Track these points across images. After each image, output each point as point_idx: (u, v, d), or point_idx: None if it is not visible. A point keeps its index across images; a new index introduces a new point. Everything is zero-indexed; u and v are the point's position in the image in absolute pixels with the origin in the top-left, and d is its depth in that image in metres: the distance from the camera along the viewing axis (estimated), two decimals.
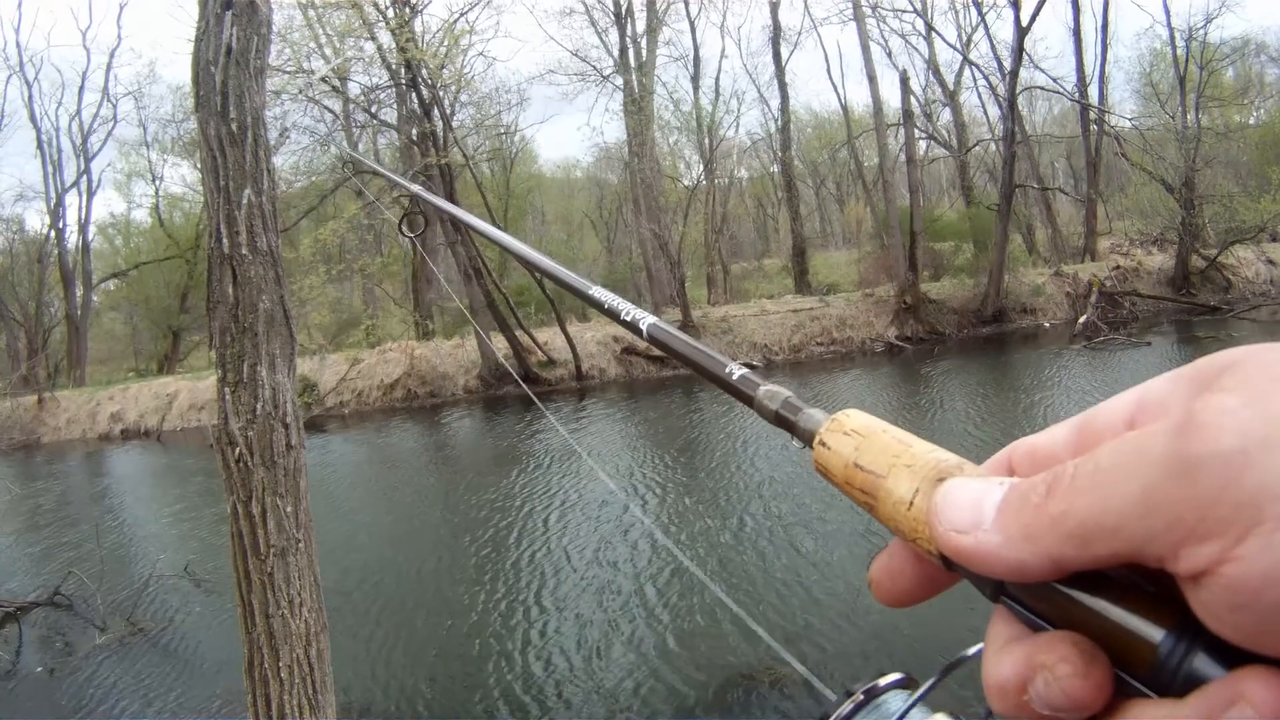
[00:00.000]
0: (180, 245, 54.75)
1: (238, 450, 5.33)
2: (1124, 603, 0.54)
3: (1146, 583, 0.54)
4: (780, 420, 0.87)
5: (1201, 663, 0.50)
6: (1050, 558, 0.55)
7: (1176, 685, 0.50)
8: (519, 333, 35.99)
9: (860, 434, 0.73)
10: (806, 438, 0.81)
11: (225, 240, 5.36)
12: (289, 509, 5.43)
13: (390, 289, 50.43)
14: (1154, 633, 0.52)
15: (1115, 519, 0.51)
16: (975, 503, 0.60)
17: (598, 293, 1.42)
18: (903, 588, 0.71)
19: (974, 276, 39.52)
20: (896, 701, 0.90)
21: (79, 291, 55.20)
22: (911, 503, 0.65)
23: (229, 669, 11.21)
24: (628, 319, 1.29)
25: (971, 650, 0.79)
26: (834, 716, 0.93)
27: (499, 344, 36.08)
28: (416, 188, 3.53)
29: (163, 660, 12.64)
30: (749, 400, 0.93)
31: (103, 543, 17.24)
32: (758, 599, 11.96)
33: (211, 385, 36.08)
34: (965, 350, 34.31)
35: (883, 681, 0.92)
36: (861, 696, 0.91)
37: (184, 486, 25.73)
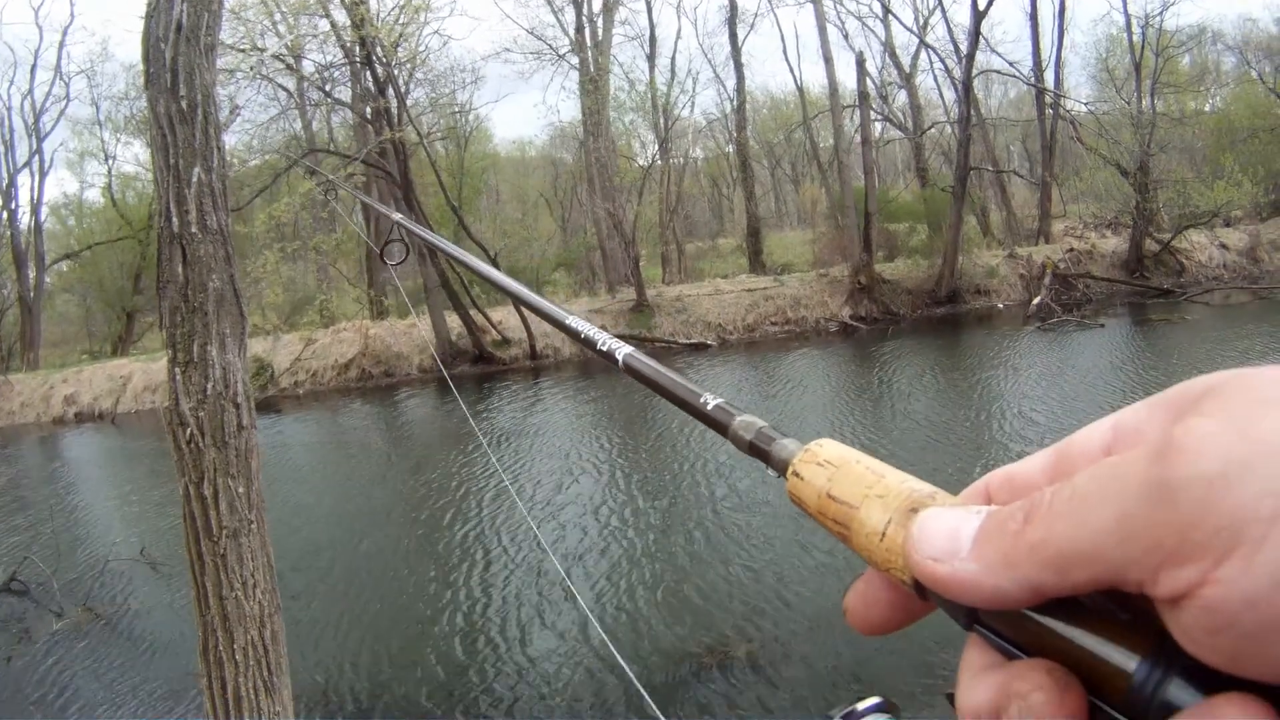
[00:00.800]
0: (133, 225, 54.43)
1: (189, 431, 5.30)
2: (1099, 630, 0.54)
3: (1121, 610, 0.54)
4: (755, 450, 0.87)
5: (1177, 689, 0.49)
6: (1028, 585, 0.55)
7: (1152, 713, 0.50)
8: (473, 312, 35.93)
9: (833, 464, 0.73)
10: (780, 468, 0.81)
11: (175, 219, 5.33)
12: (241, 490, 5.41)
13: (344, 268, 50.27)
14: (1128, 661, 0.52)
15: (1094, 544, 0.51)
16: (952, 531, 0.60)
17: (574, 322, 1.43)
18: (878, 616, 0.71)
19: (928, 258, 39.69)
20: None
21: (31, 273, 54.80)
22: (884, 533, 0.65)
23: (185, 652, 11.17)
24: (604, 349, 1.30)
25: (861, 705, 0.79)
26: None
27: (453, 323, 36.06)
28: (399, 216, 3.54)
29: (120, 644, 12.63)
30: (724, 430, 0.93)
31: (58, 527, 17.21)
32: (693, 598, 12.00)
33: (165, 366, 36.05)
34: (919, 330, 34.48)
35: (861, 706, 0.91)
36: None
37: (139, 469, 25.67)
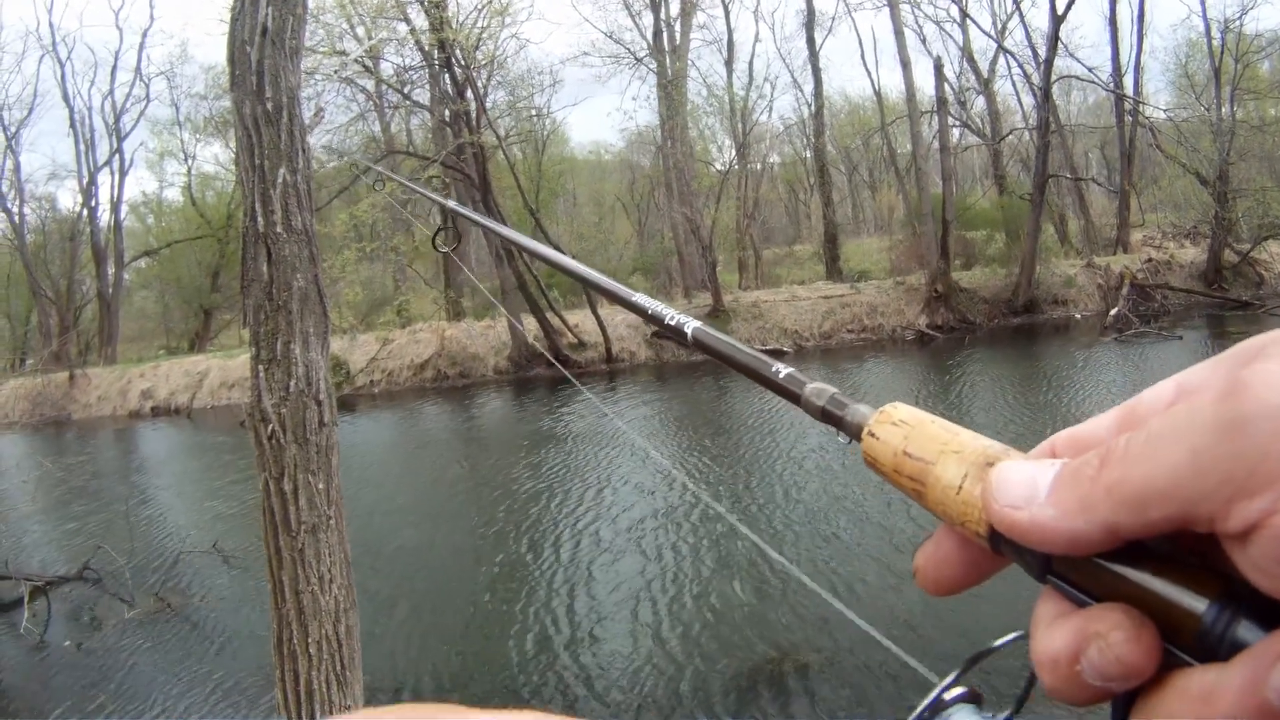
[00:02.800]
0: (212, 224, 55.03)
1: (270, 427, 5.36)
2: (1169, 575, 0.55)
3: (1190, 556, 0.55)
4: (827, 416, 0.89)
5: (1245, 629, 0.51)
6: (1105, 526, 0.56)
7: (1222, 652, 0.51)
8: (549, 315, 36.02)
9: (908, 424, 0.74)
10: (854, 431, 0.83)
11: (260, 219, 5.39)
12: (320, 486, 5.46)
13: (421, 269, 50.48)
14: (1198, 603, 0.53)
15: (1168, 481, 0.52)
16: (1030, 480, 0.61)
17: (640, 299, 1.44)
18: (948, 574, 0.71)
19: (1005, 266, 39.41)
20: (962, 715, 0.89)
21: (110, 270, 55.60)
22: (960, 487, 0.66)
23: (257, 645, 11.28)
24: (672, 323, 1.29)
25: (998, 642, 0.81)
26: None
27: (529, 326, 36.14)
28: (452, 203, 3.54)
29: (190, 635, 12.70)
30: (796, 398, 0.94)
31: (132, 518, 17.35)
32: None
33: (242, 363, 36.28)
34: (995, 340, 34.21)
35: (948, 696, 0.91)
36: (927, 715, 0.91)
37: (213, 463, 25.85)
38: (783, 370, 0.99)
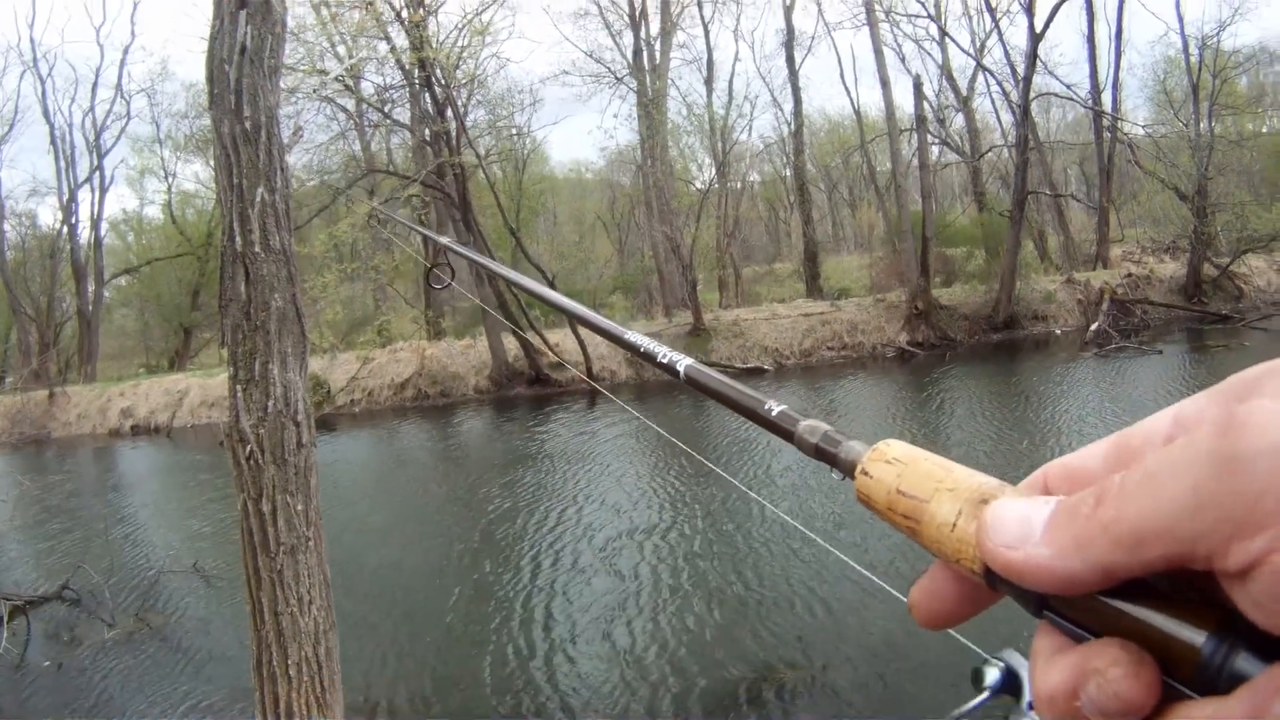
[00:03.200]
0: (192, 242, 55.08)
1: (249, 448, 5.35)
2: (1166, 609, 0.55)
3: (1187, 590, 0.56)
4: (820, 453, 0.88)
5: (1244, 661, 0.51)
6: (1100, 566, 0.56)
7: (1221, 685, 0.51)
8: (530, 334, 36.03)
9: (902, 461, 0.75)
10: (848, 469, 0.82)
11: (238, 238, 5.39)
12: (299, 507, 5.45)
13: (401, 288, 50.49)
14: (1196, 636, 0.53)
15: (1166, 520, 0.52)
16: (1024, 518, 0.61)
17: (633, 337, 1.43)
18: (944, 609, 0.72)
19: (986, 282, 39.57)
20: None
21: (91, 287, 55.62)
22: (955, 524, 0.67)
23: (237, 666, 11.25)
24: (665, 361, 1.30)
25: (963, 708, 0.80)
26: None
27: (510, 345, 36.16)
28: (446, 240, 3.54)
29: (171, 656, 12.67)
30: (789, 435, 0.95)
31: (111, 538, 17.35)
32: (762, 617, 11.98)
33: (222, 382, 36.20)
34: (976, 356, 34.28)
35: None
36: None
37: (193, 483, 25.82)
38: (775, 408, 0.99)
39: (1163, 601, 0.56)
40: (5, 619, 13.72)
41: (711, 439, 22.90)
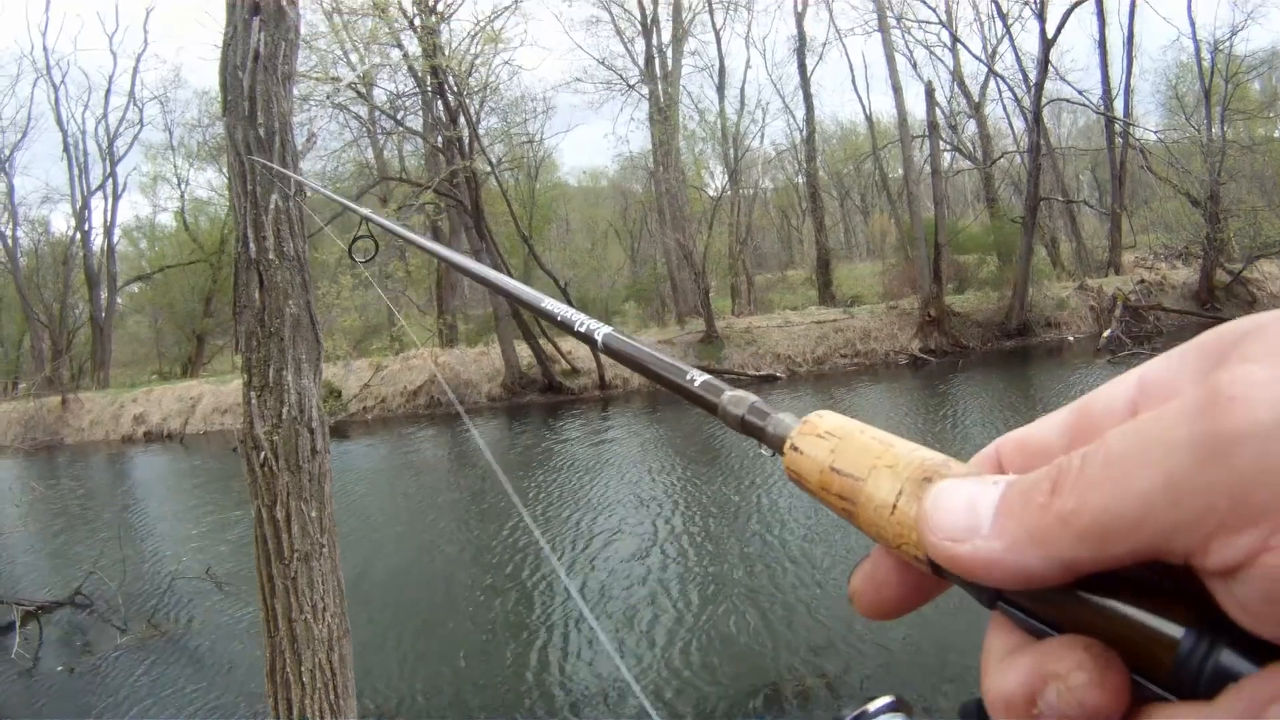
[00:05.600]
0: (205, 249, 55.18)
1: (263, 455, 5.35)
2: (1137, 600, 0.48)
3: (1159, 577, 0.48)
4: (747, 427, 0.80)
5: (1229, 659, 0.44)
6: (1060, 562, 0.48)
7: (1202, 685, 0.45)
8: (543, 341, 36.02)
9: (836, 435, 0.67)
10: (776, 443, 0.75)
11: (252, 245, 5.38)
12: (313, 514, 5.44)
13: (414, 296, 50.53)
14: (1173, 630, 0.46)
15: (1135, 514, 0.45)
16: (969, 505, 0.53)
17: (550, 304, 1.40)
18: (888, 598, 0.64)
19: (998, 289, 39.38)
20: None
21: (103, 294, 55.76)
22: (895, 505, 0.59)
23: (250, 672, 11.25)
24: (581, 330, 1.24)
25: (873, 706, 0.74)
26: None
27: (523, 352, 36.15)
28: (365, 210, 3.49)
29: (183, 662, 12.70)
30: (713, 408, 0.86)
31: (124, 544, 17.30)
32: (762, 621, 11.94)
33: (235, 389, 36.28)
34: (989, 363, 34.14)
35: (872, 707, 0.86)
36: None
37: (206, 489, 25.86)
38: (698, 379, 0.91)
39: (1133, 590, 0.49)
40: (18, 624, 13.77)
41: (720, 454, 22.82)
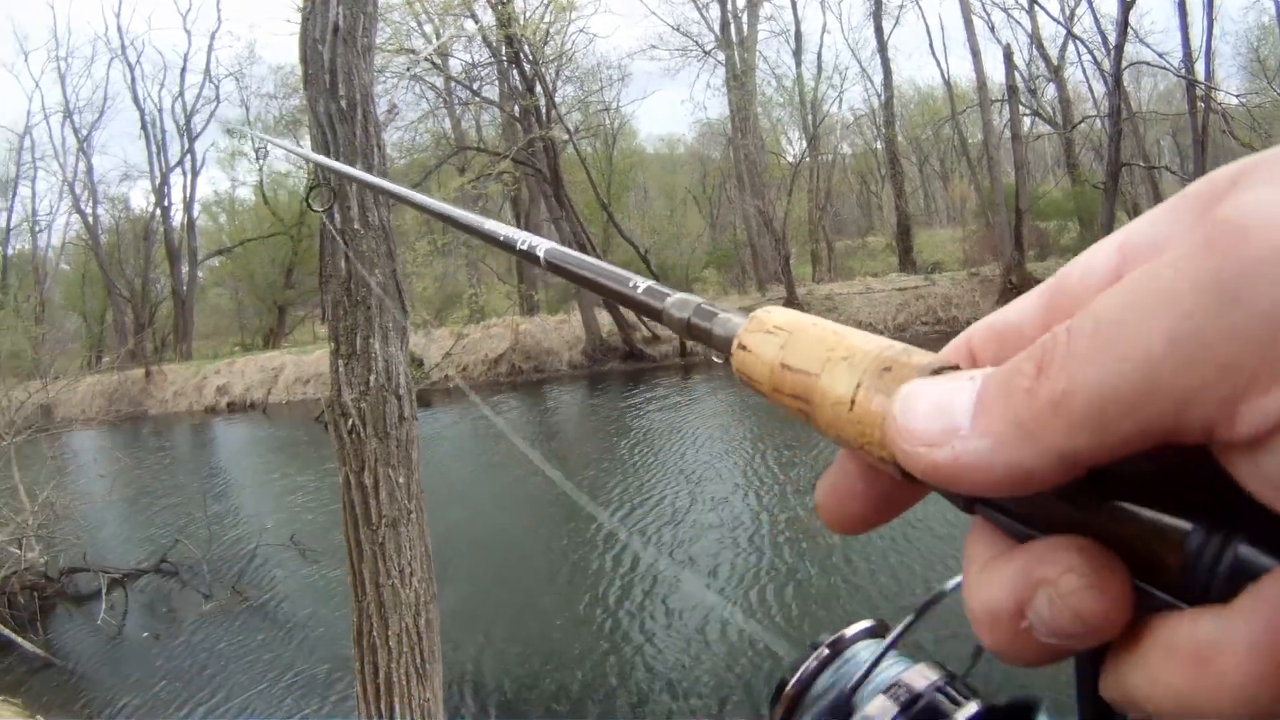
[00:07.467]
0: (284, 222, 55.44)
1: (351, 421, 5.42)
2: (1135, 492, 0.40)
3: (1162, 469, 0.39)
4: (693, 330, 0.71)
5: (1247, 553, 0.35)
6: (1057, 455, 0.39)
7: (1215, 588, 0.36)
8: (624, 309, 35.95)
9: (785, 330, 0.59)
10: (723, 345, 0.66)
11: (337, 215, 5.44)
12: (401, 480, 5.51)
13: (494, 263, 50.63)
14: (1179, 523, 0.37)
15: (1139, 384, 0.35)
16: (943, 405, 0.44)
17: (492, 225, 1.35)
18: (855, 509, 0.55)
19: None
20: (867, 652, 0.84)
21: (184, 268, 56.39)
22: (854, 401, 0.50)
23: (333, 638, 11.35)
24: (524, 248, 1.18)
25: (950, 584, 0.69)
26: (799, 673, 0.85)
27: (603, 320, 36.19)
28: (320, 157, 3.46)
29: (267, 628, 12.82)
30: (658, 314, 0.77)
31: (209, 512, 17.48)
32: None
33: (316, 359, 36.60)
34: None
35: (850, 631, 0.85)
36: (827, 650, 0.85)
37: (290, 458, 26.04)
38: (642, 284, 0.82)
39: (1129, 482, 0.40)
40: (104, 591, 13.96)
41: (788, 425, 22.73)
